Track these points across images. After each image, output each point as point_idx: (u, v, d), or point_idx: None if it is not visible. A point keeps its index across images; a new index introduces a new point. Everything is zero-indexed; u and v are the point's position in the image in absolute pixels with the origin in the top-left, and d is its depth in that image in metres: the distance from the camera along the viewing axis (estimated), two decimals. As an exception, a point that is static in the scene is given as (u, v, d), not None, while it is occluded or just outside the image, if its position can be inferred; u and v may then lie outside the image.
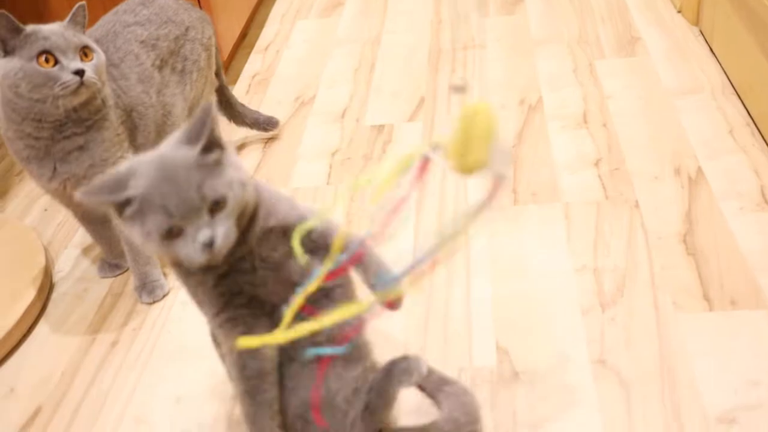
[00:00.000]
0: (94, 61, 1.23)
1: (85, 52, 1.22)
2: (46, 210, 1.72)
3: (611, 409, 1.11)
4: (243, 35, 2.35)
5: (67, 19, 1.24)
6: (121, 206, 0.86)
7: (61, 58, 1.19)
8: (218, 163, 0.88)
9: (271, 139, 1.85)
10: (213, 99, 1.63)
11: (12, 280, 1.46)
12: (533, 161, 1.66)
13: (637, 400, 1.12)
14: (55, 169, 1.27)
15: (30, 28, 1.20)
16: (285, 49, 2.28)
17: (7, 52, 1.18)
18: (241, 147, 1.83)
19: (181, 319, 1.38)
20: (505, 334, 1.26)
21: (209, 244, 0.86)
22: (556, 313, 1.29)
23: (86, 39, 1.24)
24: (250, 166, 1.76)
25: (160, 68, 1.41)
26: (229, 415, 1.19)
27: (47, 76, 1.18)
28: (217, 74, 1.65)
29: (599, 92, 1.86)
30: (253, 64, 2.21)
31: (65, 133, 1.24)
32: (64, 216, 1.68)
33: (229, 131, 1.82)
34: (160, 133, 1.42)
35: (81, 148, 1.26)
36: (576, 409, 1.12)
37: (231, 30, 2.12)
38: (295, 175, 1.71)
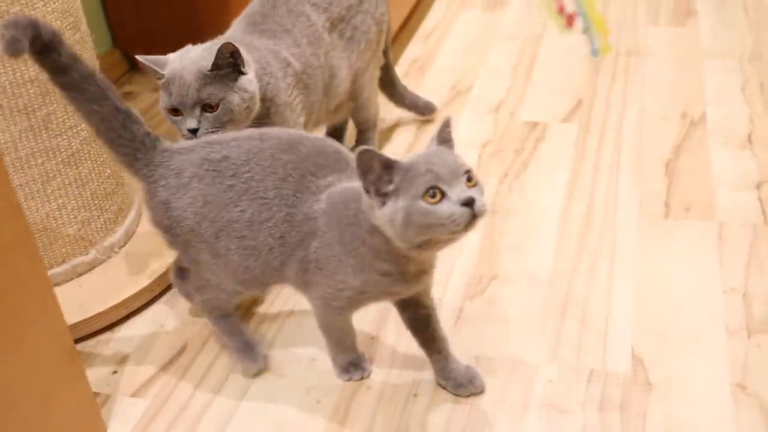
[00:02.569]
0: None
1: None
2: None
3: (748, 435, 1.08)
4: (407, 20, 2.39)
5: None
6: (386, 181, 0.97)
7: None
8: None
9: (426, 122, 1.87)
10: (377, 75, 1.67)
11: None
12: (689, 176, 1.61)
13: (777, 431, 1.08)
14: None
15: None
16: (446, 38, 2.30)
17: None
18: (394, 126, 1.87)
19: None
20: (643, 343, 1.24)
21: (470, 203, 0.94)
22: (699, 331, 1.26)
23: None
24: (402, 146, 1.80)
25: (330, 31, 1.47)
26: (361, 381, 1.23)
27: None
28: (385, 53, 1.69)
29: (768, 114, 1.79)
30: (414, 49, 2.24)
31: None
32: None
33: (386, 110, 1.86)
34: (327, 94, 1.48)
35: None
36: (711, 428, 1.10)
37: (396, 14, 2.16)
38: (444, 160, 1.73)
